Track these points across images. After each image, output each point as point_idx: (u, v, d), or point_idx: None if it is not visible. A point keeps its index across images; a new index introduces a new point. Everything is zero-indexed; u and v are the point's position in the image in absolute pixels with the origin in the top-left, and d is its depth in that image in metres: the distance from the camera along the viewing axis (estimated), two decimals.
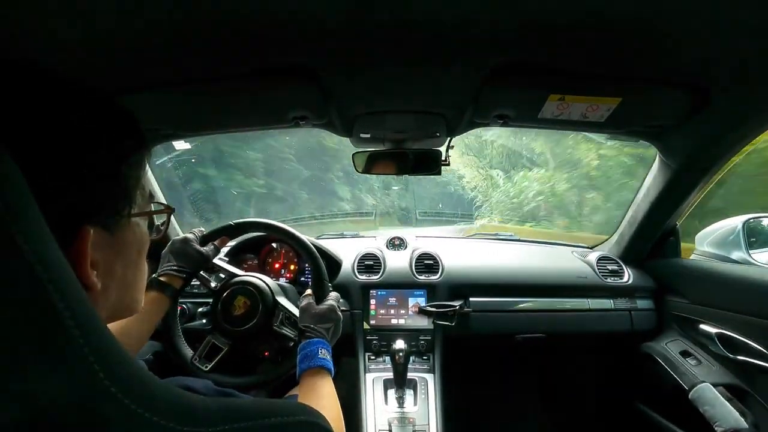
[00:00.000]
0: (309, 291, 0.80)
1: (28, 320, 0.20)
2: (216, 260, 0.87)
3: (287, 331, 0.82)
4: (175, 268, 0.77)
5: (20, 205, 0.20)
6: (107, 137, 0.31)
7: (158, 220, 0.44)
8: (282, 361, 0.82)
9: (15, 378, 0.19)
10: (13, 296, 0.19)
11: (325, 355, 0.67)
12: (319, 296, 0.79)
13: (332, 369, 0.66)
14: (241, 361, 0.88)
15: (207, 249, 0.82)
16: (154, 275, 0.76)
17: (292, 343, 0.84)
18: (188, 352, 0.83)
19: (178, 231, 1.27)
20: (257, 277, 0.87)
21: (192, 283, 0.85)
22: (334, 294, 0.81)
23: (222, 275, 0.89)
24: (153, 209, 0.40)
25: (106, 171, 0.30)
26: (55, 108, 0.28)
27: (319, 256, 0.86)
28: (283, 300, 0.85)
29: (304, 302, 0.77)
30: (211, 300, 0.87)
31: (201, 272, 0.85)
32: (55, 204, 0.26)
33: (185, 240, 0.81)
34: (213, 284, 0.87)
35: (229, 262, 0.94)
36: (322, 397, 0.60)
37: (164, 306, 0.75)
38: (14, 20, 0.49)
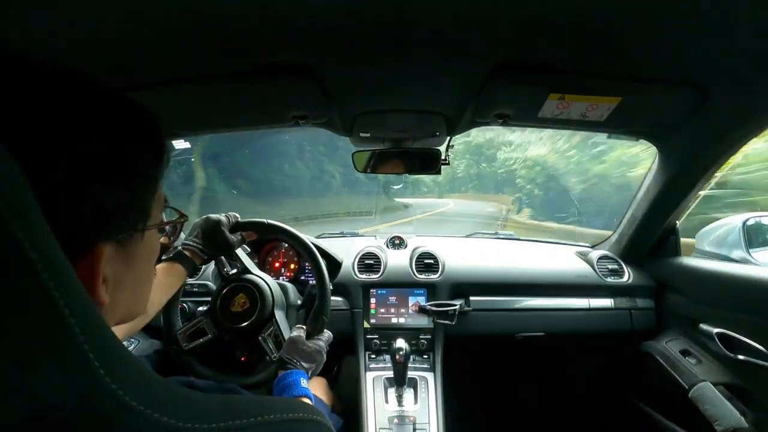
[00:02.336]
0: (302, 326, 0.79)
1: (29, 319, 0.20)
2: (239, 250, 0.88)
3: (269, 348, 0.82)
4: (200, 247, 0.78)
5: (22, 206, 0.20)
6: (124, 154, 0.29)
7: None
8: (264, 367, 0.83)
9: (15, 377, 0.19)
10: (14, 295, 0.19)
11: (306, 384, 0.68)
12: (311, 332, 0.79)
13: (313, 399, 0.68)
14: (220, 354, 0.89)
15: (234, 237, 0.82)
16: (179, 247, 0.78)
17: (267, 358, 0.83)
18: (177, 325, 0.84)
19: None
20: (265, 281, 0.87)
21: (191, 281, 0.85)
22: (327, 334, 0.81)
23: (238, 265, 0.90)
24: (165, 217, 0.39)
25: (122, 190, 0.28)
26: (66, 117, 0.26)
27: (329, 289, 0.85)
28: (279, 315, 0.85)
29: (294, 333, 0.77)
30: (210, 300, 0.87)
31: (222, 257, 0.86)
32: (66, 222, 0.25)
33: (218, 223, 0.80)
34: (227, 269, 0.89)
35: (249, 254, 0.94)
36: None
37: (182, 278, 0.77)
38: (14, 21, 0.49)
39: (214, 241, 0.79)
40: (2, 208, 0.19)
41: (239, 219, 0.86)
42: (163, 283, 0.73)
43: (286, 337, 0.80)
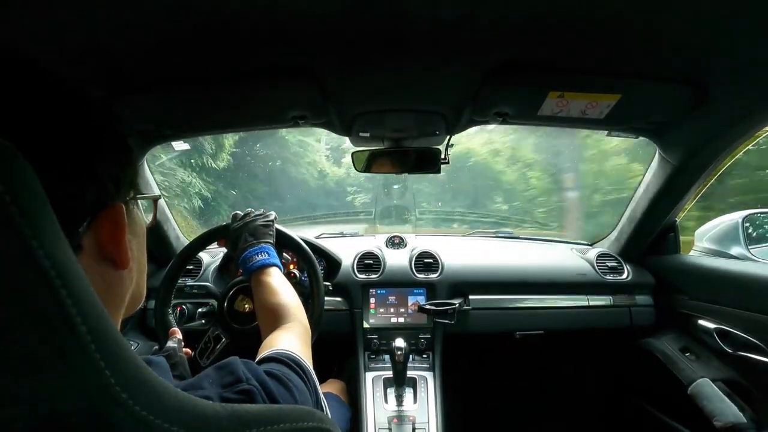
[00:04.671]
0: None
1: (40, 324, 0.19)
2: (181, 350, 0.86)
3: None
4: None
5: (35, 209, 0.20)
6: (116, 125, 0.33)
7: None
8: None
9: (24, 382, 0.19)
10: (25, 300, 0.19)
11: (266, 256, 0.73)
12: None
13: (273, 262, 0.73)
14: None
15: (168, 347, 0.77)
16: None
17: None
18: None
19: (170, 218, 1.25)
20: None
21: (190, 283, 0.83)
22: None
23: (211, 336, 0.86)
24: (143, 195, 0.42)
25: (120, 153, 0.32)
26: (69, 103, 0.28)
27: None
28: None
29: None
30: (209, 301, 0.87)
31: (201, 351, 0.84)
32: (87, 187, 0.28)
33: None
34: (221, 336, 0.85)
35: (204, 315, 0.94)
36: (279, 287, 0.68)
37: None
38: (13, 21, 0.48)
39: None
40: (16, 213, 0.18)
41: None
42: None
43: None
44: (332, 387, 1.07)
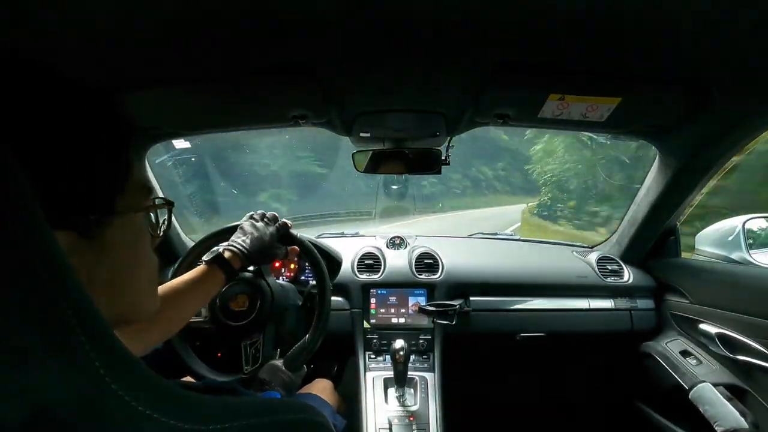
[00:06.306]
0: (281, 361, 0.78)
1: (30, 317, 0.19)
2: None
3: (245, 358, 0.80)
4: (246, 251, 0.72)
5: (23, 201, 0.20)
6: (72, 133, 0.27)
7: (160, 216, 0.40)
8: (234, 374, 0.81)
9: (15, 375, 0.19)
10: (15, 293, 0.19)
11: None
12: (293, 367, 0.77)
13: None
14: (200, 343, 0.88)
15: (281, 251, 0.78)
16: (219, 248, 0.73)
17: (244, 368, 0.81)
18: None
19: (177, 229, 1.26)
20: (270, 288, 0.85)
21: None
22: (303, 371, 0.80)
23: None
24: (151, 204, 0.37)
25: (71, 170, 0.27)
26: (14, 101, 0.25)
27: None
28: (269, 330, 0.83)
29: (277, 361, 0.77)
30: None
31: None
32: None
33: (272, 235, 0.76)
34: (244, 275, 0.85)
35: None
36: None
37: (220, 285, 0.70)
38: (13, 19, 0.49)
39: (262, 251, 0.74)
40: (4, 204, 0.19)
41: (289, 228, 0.81)
42: (200, 289, 0.67)
43: (265, 354, 0.80)
44: (316, 386, 1.05)
